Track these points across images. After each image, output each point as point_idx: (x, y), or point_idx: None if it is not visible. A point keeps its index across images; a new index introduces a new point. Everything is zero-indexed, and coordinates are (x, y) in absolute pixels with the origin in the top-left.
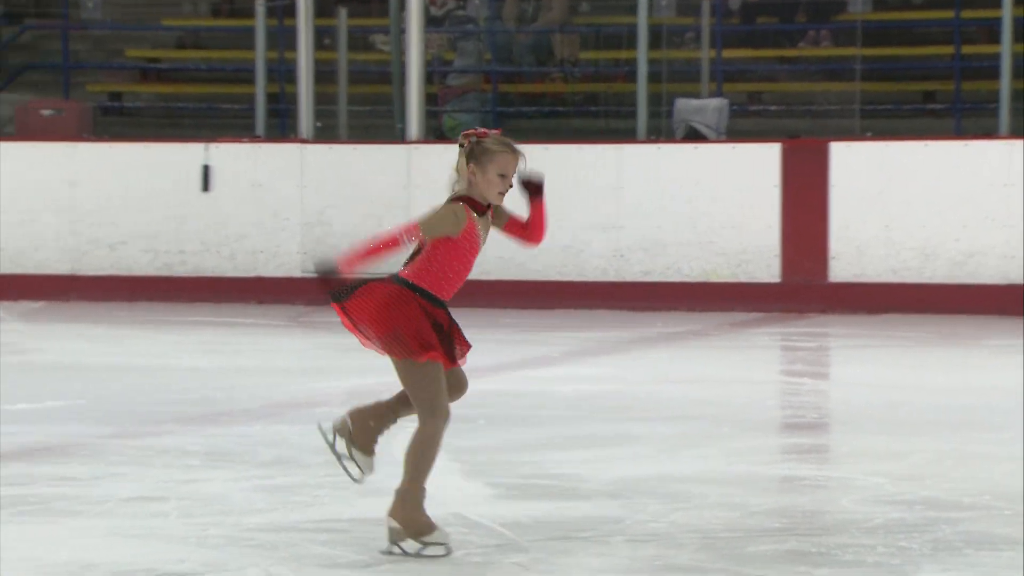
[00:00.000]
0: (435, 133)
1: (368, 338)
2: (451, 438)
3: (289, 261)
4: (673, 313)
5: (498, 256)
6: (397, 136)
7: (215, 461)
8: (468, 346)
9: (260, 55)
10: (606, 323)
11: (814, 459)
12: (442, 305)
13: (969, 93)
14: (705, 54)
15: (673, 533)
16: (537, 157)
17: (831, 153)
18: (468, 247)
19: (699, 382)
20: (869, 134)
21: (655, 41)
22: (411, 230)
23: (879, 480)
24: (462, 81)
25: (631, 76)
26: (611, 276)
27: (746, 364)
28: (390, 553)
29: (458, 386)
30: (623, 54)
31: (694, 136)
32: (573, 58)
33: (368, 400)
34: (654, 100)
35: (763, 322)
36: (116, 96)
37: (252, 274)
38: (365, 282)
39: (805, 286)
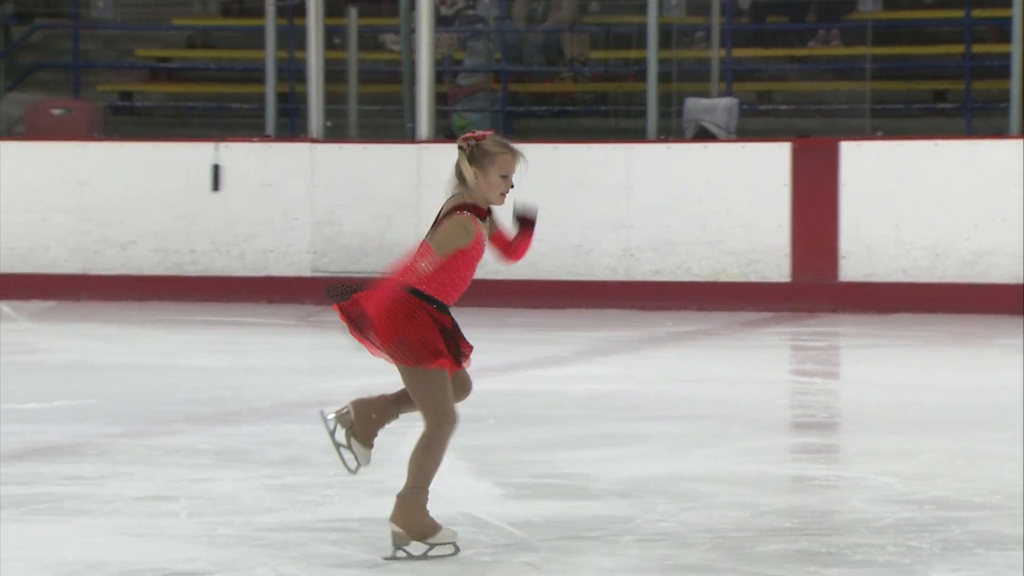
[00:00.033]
0: (445, 132)
1: (377, 346)
2: (461, 438)
3: (299, 261)
4: (683, 312)
5: None
6: (407, 135)
7: (225, 460)
8: (470, 347)
9: (270, 54)
10: (616, 322)
11: (824, 459)
12: (447, 310)
13: (980, 92)
14: (715, 53)
15: (683, 533)
16: (547, 156)
17: (841, 152)
18: (476, 254)
19: (709, 381)
20: (879, 133)
21: (665, 40)
22: (424, 255)
23: (889, 480)
24: (472, 80)
25: (641, 75)
26: (621, 275)
27: (756, 364)
28: (394, 558)
29: (463, 387)
30: (633, 53)
31: (704, 135)
32: (583, 57)
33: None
34: (664, 99)
35: (773, 321)
36: (126, 96)
37: (262, 273)
38: (370, 289)
39: (815, 285)
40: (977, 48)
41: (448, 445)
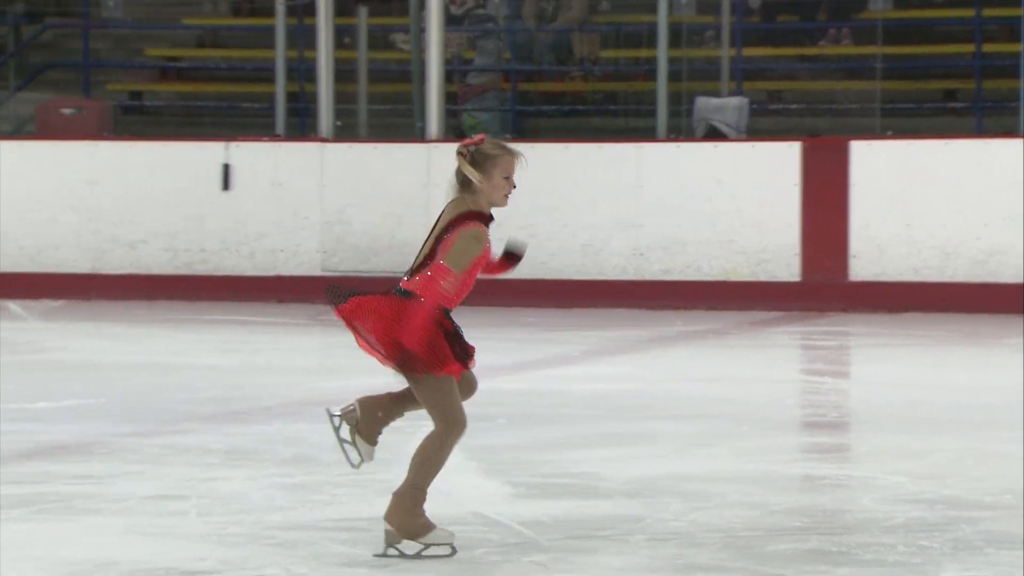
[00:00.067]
0: (455, 132)
1: (383, 355)
2: (470, 437)
3: (309, 260)
4: (693, 312)
5: None
6: (417, 135)
7: (234, 459)
8: (473, 348)
9: (280, 54)
10: (625, 322)
11: (834, 458)
12: (448, 314)
13: (990, 92)
14: (725, 52)
15: (693, 532)
16: (557, 156)
17: (851, 152)
18: (484, 261)
19: (719, 381)
20: (890, 133)
21: (675, 39)
22: (444, 275)
23: (899, 479)
24: (482, 80)
25: (651, 75)
26: (631, 275)
27: (766, 363)
28: (384, 555)
29: (469, 387)
30: (643, 52)
31: (714, 135)
32: (593, 57)
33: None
34: (674, 99)
35: (783, 321)
36: (136, 95)
37: (272, 273)
38: (372, 298)
39: (825, 285)
40: (988, 47)
41: (453, 449)
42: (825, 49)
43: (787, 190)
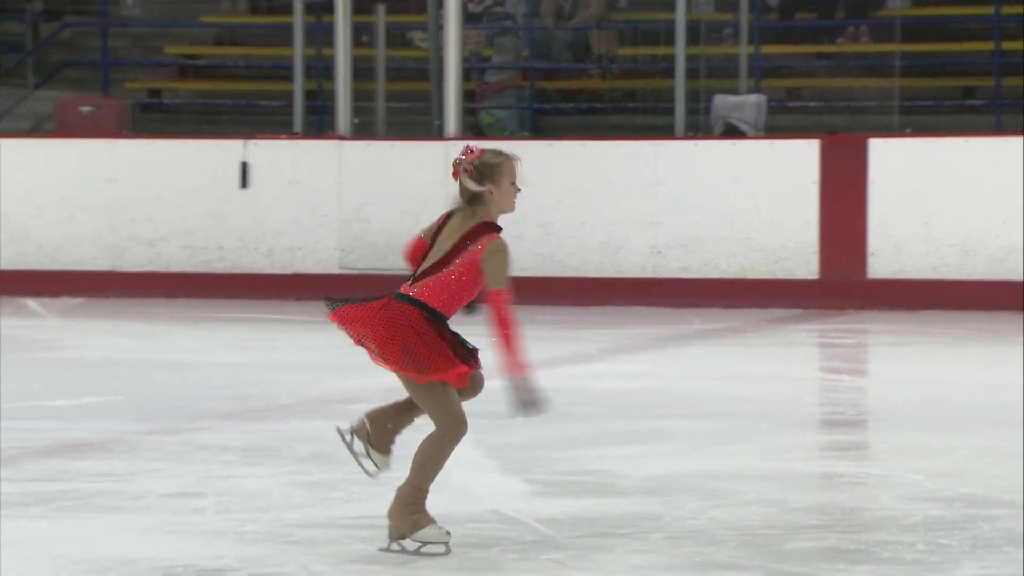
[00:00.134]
0: (473, 130)
1: (385, 360)
2: (488, 434)
3: (327, 258)
4: (711, 310)
5: (536, 253)
6: (435, 133)
7: (253, 457)
8: (476, 349)
9: (298, 52)
10: (643, 319)
11: (852, 456)
12: (445, 321)
13: (1009, 89)
14: (743, 50)
15: (712, 530)
16: (574, 154)
17: (870, 149)
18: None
19: (737, 379)
20: (908, 130)
21: (693, 37)
22: (505, 299)
23: (918, 477)
24: (500, 77)
25: (669, 72)
26: (648, 273)
27: (784, 361)
28: (388, 551)
29: (476, 386)
30: (661, 50)
31: (732, 132)
32: (611, 54)
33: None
34: (692, 96)
35: (801, 319)
36: (155, 93)
37: (290, 271)
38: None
39: (843, 283)
40: (1006, 45)
41: (455, 449)
42: (843, 46)
43: (805, 188)
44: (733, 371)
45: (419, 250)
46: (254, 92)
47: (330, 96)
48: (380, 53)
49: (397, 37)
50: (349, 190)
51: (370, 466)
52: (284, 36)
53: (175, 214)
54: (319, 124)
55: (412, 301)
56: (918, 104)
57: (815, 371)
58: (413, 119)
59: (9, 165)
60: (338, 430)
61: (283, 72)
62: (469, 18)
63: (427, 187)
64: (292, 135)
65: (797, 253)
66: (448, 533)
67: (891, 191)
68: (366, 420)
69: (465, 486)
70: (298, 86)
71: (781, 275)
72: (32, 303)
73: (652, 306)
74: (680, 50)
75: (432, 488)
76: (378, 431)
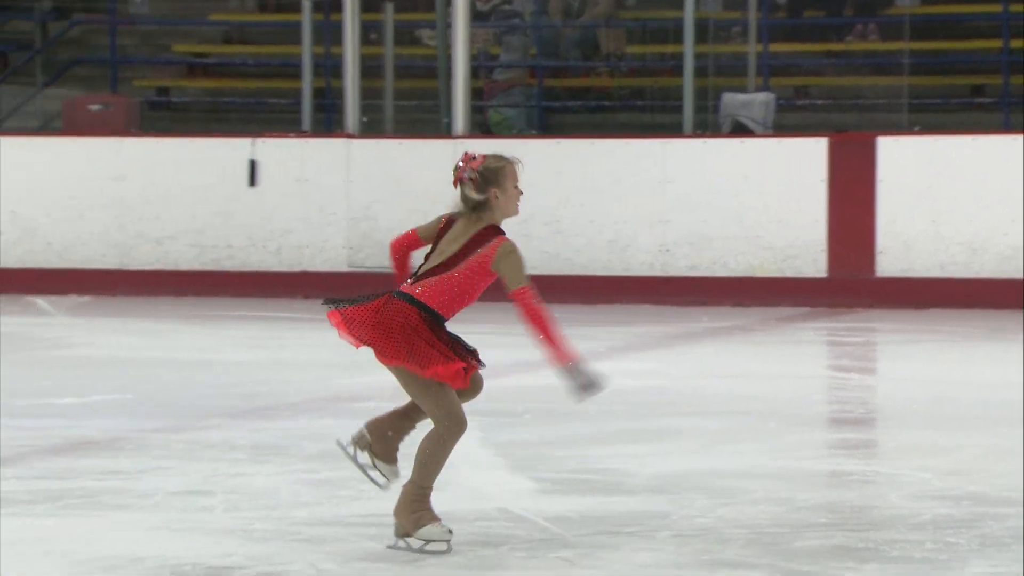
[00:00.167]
0: (481, 128)
1: (388, 358)
2: (496, 432)
3: (335, 256)
4: (719, 308)
5: (544, 251)
6: (443, 131)
7: (261, 455)
8: (476, 350)
9: (306, 50)
10: (652, 318)
11: (861, 454)
12: (442, 323)
13: (1018, 87)
14: (752, 48)
15: (719, 528)
16: (583, 152)
17: (878, 147)
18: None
19: (745, 377)
20: (917, 128)
21: (701, 35)
22: (531, 294)
23: (926, 475)
24: (508, 76)
25: (677, 70)
26: (657, 271)
27: (792, 359)
28: (395, 548)
29: (475, 387)
30: (669, 48)
31: (740, 130)
32: (619, 52)
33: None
34: (700, 94)
35: (809, 317)
36: (163, 91)
37: (298, 269)
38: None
39: (852, 281)
40: (1015, 43)
41: (455, 445)
42: (852, 45)
43: (814, 186)
44: (741, 369)
45: (410, 244)
46: (262, 90)
47: (338, 94)
48: (388, 51)
49: (405, 35)
50: (357, 188)
51: (378, 477)
52: (292, 34)
53: (183, 212)
54: (327, 122)
55: (411, 300)
56: (927, 102)
57: (823, 369)
58: (421, 117)
59: (18, 163)
60: (339, 443)
61: (291, 70)
62: (477, 16)
63: (435, 185)
64: (300, 133)
65: (805, 251)
66: (450, 531)
67: (900, 189)
68: (366, 431)
69: (473, 484)
70: (306, 84)
71: (789, 273)
72: (40, 301)
73: (660, 304)
74: (688, 48)
75: (440, 486)
76: (379, 440)
